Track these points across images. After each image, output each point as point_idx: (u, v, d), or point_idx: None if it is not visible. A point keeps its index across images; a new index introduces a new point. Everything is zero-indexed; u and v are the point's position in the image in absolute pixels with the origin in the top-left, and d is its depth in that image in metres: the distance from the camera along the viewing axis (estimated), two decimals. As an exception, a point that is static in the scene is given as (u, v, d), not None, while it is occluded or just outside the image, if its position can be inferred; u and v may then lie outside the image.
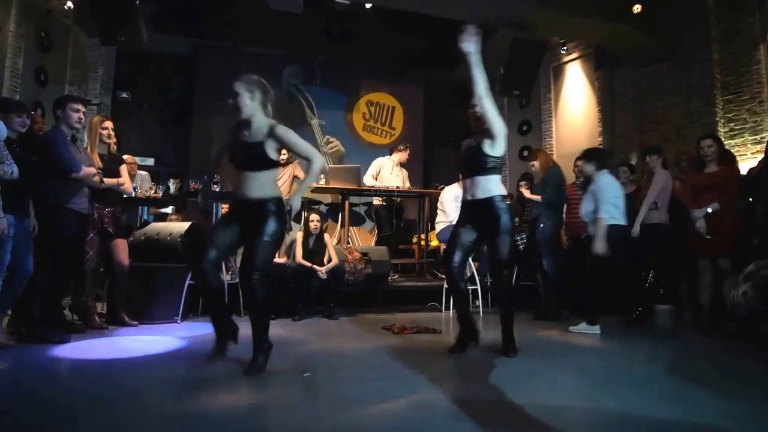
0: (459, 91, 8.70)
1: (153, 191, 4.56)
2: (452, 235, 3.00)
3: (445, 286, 4.74)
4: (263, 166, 2.48)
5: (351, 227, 5.76)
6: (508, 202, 3.00)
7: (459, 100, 8.78)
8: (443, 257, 3.25)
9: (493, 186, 2.87)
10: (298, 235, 4.56)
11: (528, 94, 6.83)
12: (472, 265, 4.82)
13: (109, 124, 3.67)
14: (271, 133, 2.46)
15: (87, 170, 3.21)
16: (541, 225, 4.43)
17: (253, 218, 2.45)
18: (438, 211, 4.94)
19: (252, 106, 2.49)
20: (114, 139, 3.80)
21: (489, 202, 2.85)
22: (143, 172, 5.19)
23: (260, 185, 2.47)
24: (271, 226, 2.42)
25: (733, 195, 3.70)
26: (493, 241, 2.87)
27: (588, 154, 3.94)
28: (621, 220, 3.74)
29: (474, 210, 2.91)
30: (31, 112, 3.90)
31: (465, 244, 2.94)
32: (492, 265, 3.07)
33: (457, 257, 2.93)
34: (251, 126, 2.49)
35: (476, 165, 2.87)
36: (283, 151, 5.33)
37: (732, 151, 4.66)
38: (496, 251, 2.86)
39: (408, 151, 5.99)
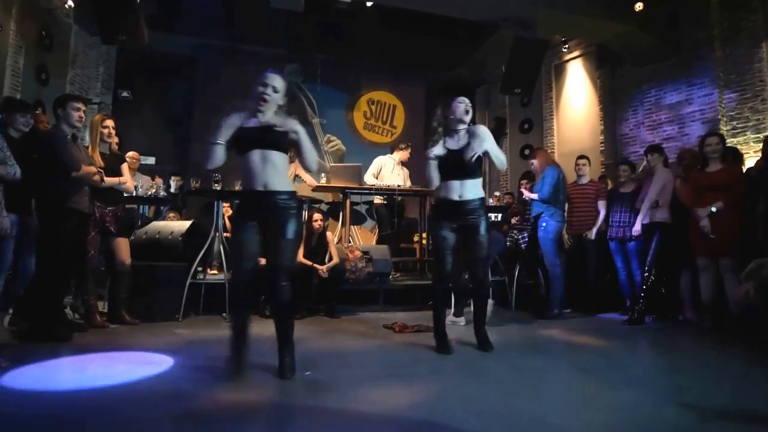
0: (460, 89, 8.75)
1: (153, 189, 4.55)
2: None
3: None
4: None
5: (352, 226, 5.75)
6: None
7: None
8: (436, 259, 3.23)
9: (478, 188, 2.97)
10: (299, 233, 4.56)
11: (529, 92, 6.81)
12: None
13: (110, 122, 3.67)
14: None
15: (87, 169, 3.21)
16: (544, 224, 4.42)
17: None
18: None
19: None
20: (116, 139, 3.81)
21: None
22: (144, 176, 5.21)
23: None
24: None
25: (737, 194, 3.68)
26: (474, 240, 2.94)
27: None
28: None
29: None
30: (35, 112, 3.92)
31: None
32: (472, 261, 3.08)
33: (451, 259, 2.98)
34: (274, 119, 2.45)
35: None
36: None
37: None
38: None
39: (409, 150, 5.98)
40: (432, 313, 3.04)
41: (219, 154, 2.37)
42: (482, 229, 2.93)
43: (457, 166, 2.91)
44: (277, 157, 2.37)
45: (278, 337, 2.37)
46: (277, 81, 2.46)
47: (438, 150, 2.96)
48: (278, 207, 2.34)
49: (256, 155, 2.34)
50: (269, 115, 2.43)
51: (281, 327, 2.39)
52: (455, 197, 2.92)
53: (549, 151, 7.29)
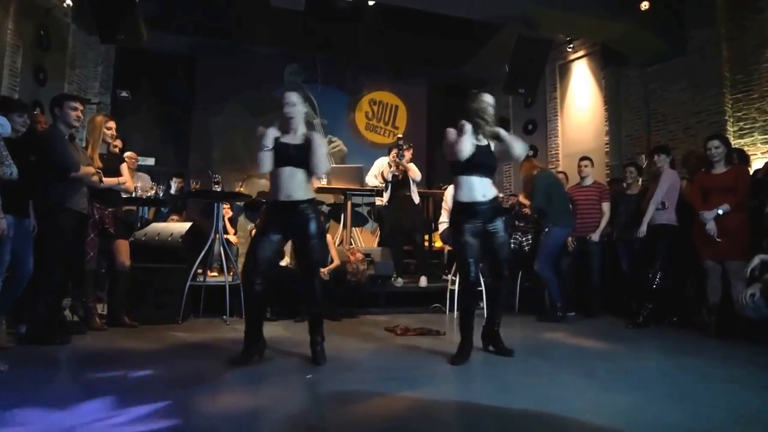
0: (462, 89, 8.69)
1: (153, 191, 4.51)
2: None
3: (450, 287, 4.69)
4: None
5: (353, 228, 5.70)
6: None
7: (462, 99, 8.80)
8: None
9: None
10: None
11: (533, 92, 6.75)
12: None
13: (113, 124, 3.63)
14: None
15: (85, 169, 3.16)
16: (546, 229, 4.38)
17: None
18: (442, 211, 4.88)
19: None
20: (119, 143, 3.76)
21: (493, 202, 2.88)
22: (143, 175, 5.16)
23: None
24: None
25: (743, 196, 3.63)
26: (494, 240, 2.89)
27: None
28: None
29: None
30: (33, 112, 3.88)
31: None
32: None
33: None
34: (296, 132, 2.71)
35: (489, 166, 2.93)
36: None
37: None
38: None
39: (411, 151, 5.92)
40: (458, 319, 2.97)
41: (269, 160, 2.66)
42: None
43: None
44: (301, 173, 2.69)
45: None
46: (293, 96, 2.75)
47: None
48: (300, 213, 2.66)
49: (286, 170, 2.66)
50: (300, 128, 2.74)
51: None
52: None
53: (553, 152, 7.26)
